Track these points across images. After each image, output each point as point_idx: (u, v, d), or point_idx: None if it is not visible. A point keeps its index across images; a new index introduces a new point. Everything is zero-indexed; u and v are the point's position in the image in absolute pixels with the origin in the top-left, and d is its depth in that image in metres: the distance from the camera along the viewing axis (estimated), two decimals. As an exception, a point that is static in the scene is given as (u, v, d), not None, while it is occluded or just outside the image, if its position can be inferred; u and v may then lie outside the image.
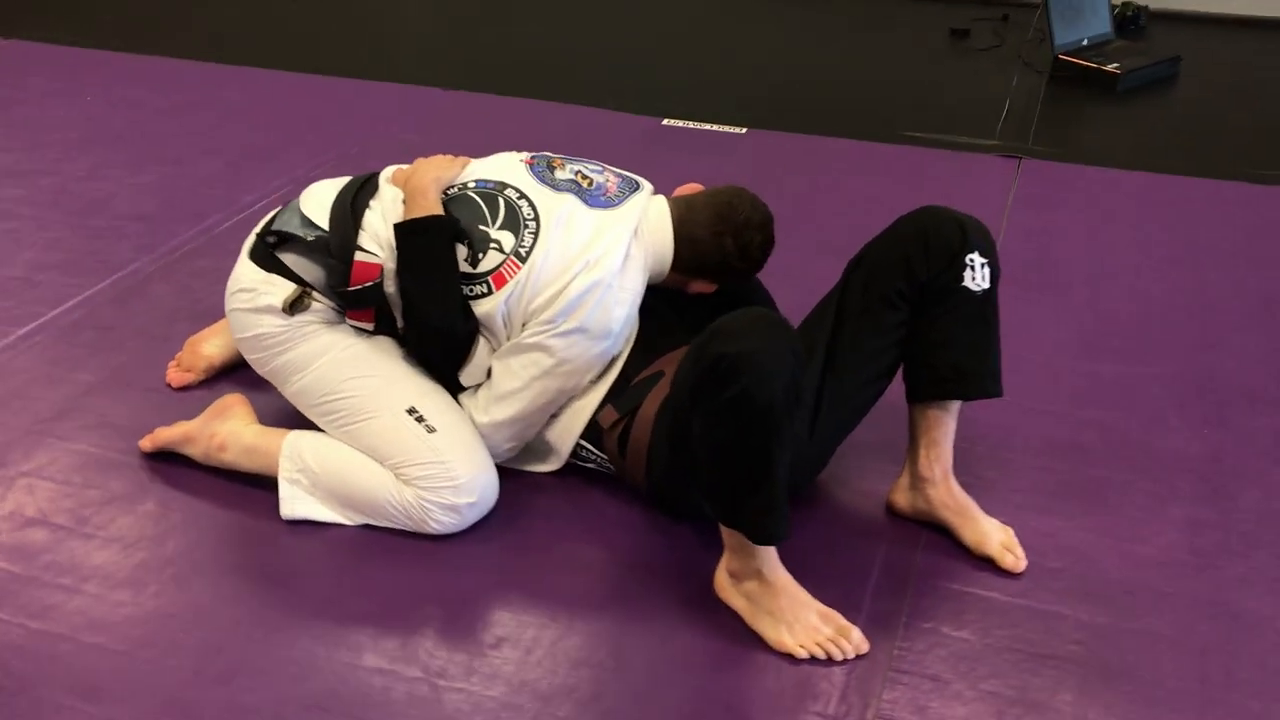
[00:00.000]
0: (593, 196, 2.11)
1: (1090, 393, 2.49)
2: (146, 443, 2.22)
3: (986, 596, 1.94)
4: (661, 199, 2.18)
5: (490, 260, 2.03)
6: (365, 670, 1.78)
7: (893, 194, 3.17)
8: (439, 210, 2.06)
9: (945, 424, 2.03)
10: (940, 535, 2.05)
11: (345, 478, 2.04)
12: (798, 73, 4.54)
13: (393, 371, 2.09)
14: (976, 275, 1.96)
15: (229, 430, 2.16)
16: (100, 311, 2.73)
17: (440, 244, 2.03)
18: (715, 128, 3.91)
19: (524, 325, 2.04)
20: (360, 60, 4.53)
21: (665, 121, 3.96)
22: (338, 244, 2.07)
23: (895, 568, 2.00)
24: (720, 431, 1.73)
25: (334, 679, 1.76)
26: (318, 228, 2.10)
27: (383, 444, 2.03)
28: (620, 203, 2.12)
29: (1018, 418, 2.39)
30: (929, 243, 1.97)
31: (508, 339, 2.07)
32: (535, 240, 2.03)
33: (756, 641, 1.84)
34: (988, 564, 1.99)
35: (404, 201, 2.08)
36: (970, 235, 1.97)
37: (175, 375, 2.44)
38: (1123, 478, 2.22)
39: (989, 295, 1.98)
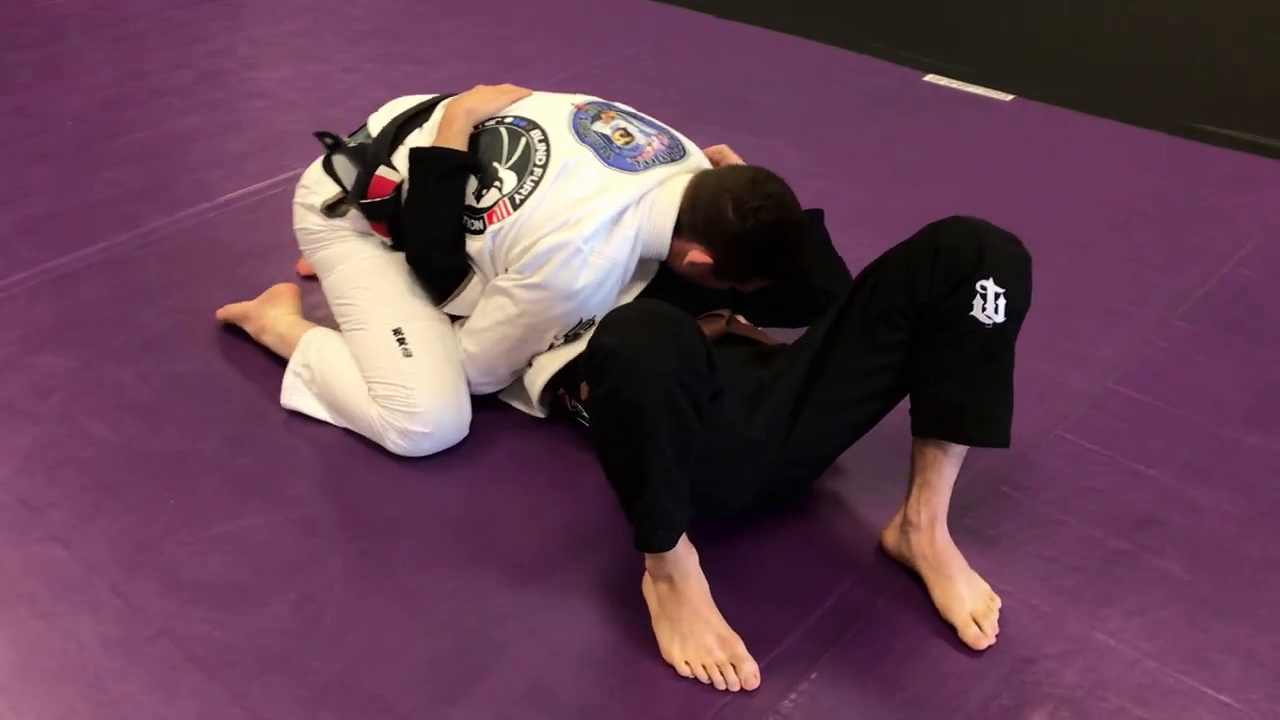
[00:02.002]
0: (619, 155, 1.98)
1: (1219, 465, 2.05)
2: (220, 313, 2.39)
3: (921, 669, 1.67)
4: (688, 176, 1.99)
5: (489, 198, 1.98)
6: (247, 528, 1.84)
7: (1161, 195, 2.81)
8: (460, 141, 2.02)
9: (941, 466, 1.75)
10: (919, 585, 1.79)
11: (331, 380, 2.10)
12: (1093, 40, 4.00)
13: (396, 290, 2.09)
14: (988, 305, 1.65)
15: (272, 316, 2.27)
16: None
17: (439, 175, 1.99)
18: (979, 90, 3.53)
19: (506, 269, 1.97)
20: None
21: (927, 77, 3.63)
22: (370, 155, 2.08)
23: (846, 609, 1.76)
24: (600, 425, 1.59)
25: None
26: (369, 137, 2.13)
27: (364, 356, 2.06)
28: (644, 169, 1.97)
29: (1095, 469, 2.03)
30: (937, 261, 1.68)
31: (495, 277, 2.01)
32: (535, 187, 1.94)
33: (653, 644, 1.70)
34: (951, 630, 1.72)
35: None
36: (989, 259, 1.66)
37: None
38: (1192, 585, 1.82)
39: (1002, 331, 1.67)
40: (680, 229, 1.93)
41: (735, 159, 2.20)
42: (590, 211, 1.90)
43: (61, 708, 1.61)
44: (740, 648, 1.66)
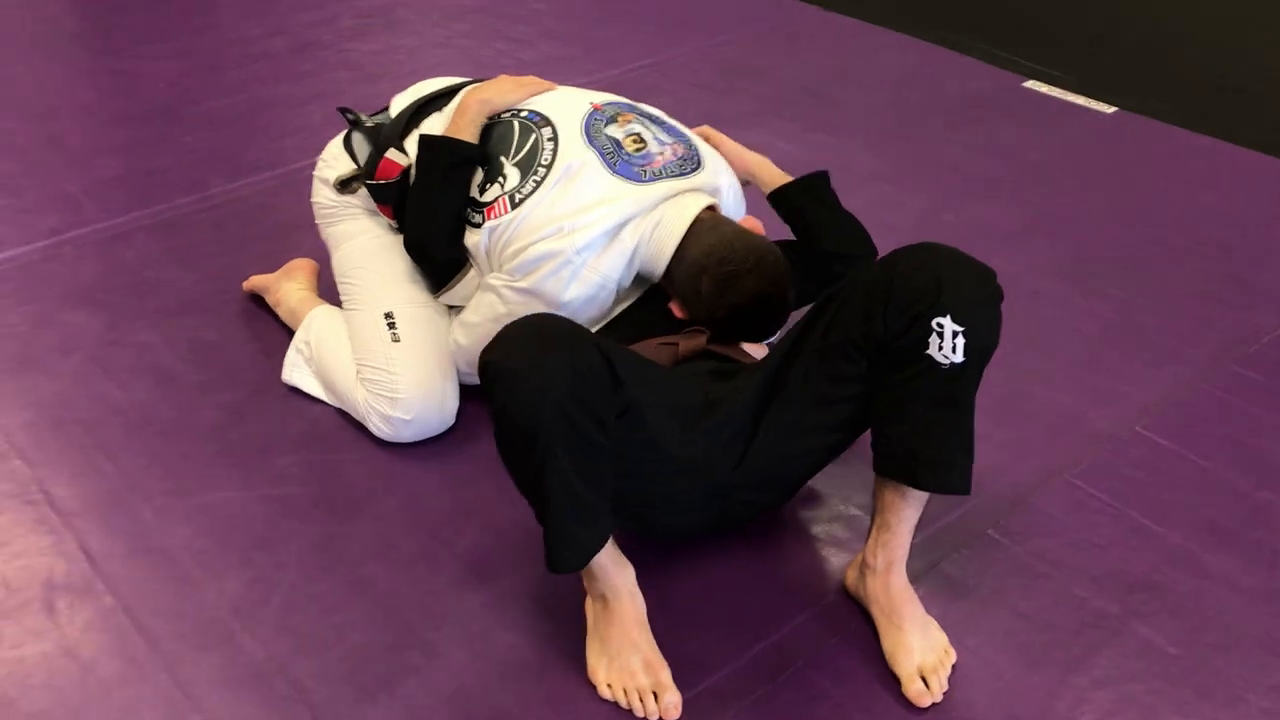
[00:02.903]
0: (626, 162, 1.92)
1: (1242, 530, 1.88)
2: (245, 284, 2.43)
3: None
4: (701, 200, 1.93)
5: (491, 193, 1.95)
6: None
7: (1252, 226, 2.66)
8: (471, 133, 2.00)
9: (899, 509, 1.65)
10: (875, 629, 1.70)
11: (325, 358, 2.11)
12: (1211, 55, 3.72)
13: (396, 273, 2.09)
14: (944, 345, 1.54)
15: (286, 290, 2.30)
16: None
17: (443, 165, 1.97)
18: (1080, 100, 3.33)
19: (500, 268, 1.94)
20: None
21: (1027, 83, 3.44)
22: (383, 137, 2.08)
23: (791, 646, 1.69)
24: (499, 443, 1.53)
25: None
26: (389, 118, 2.13)
27: (356, 338, 2.07)
28: (650, 180, 1.91)
29: (1098, 520, 1.89)
30: (892, 293, 1.57)
31: (489, 273, 1.98)
32: (536, 188, 1.90)
33: (584, 661, 1.66)
34: (897, 683, 1.62)
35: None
36: (947, 294, 1.54)
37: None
38: (1178, 659, 1.68)
39: (962, 372, 1.56)
40: (670, 267, 1.88)
41: (720, 139, 2.17)
42: (588, 222, 1.85)
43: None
44: (665, 675, 1.61)
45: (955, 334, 1.53)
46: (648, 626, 1.65)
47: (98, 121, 3.24)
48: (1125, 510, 1.92)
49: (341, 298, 2.16)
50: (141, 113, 3.28)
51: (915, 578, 1.77)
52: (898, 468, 1.63)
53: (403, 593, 1.78)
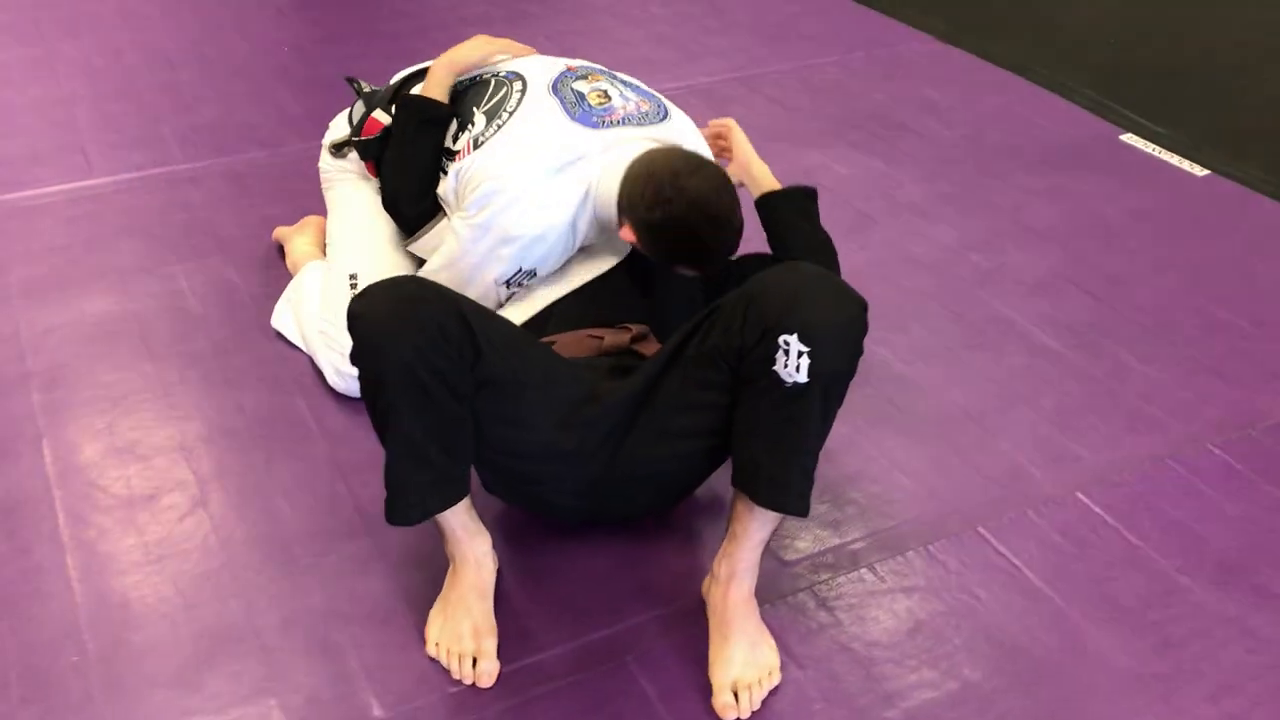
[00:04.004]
0: (587, 113, 1.98)
1: (1146, 610, 1.78)
2: (273, 235, 2.62)
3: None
4: (650, 143, 1.96)
5: (461, 140, 2.03)
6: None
7: None
8: (441, 93, 2.09)
9: (746, 521, 1.65)
10: (713, 638, 1.70)
11: (300, 311, 2.26)
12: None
13: (369, 235, 2.20)
14: (790, 363, 1.53)
15: (294, 243, 2.47)
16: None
17: (413, 123, 2.07)
18: (1173, 159, 3.17)
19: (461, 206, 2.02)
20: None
21: (1123, 136, 3.29)
22: (376, 101, 2.19)
23: (625, 640, 1.71)
24: (361, 388, 1.61)
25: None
26: (385, 84, 2.25)
27: (324, 294, 2.20)
28: (607, 128, 1.96)
29: (990, 577, 1.83)
30: (749, 307, 1.58)
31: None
32: (498, 132, 1.98)
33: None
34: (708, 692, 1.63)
35: None
36: (797, 313, 1.53)
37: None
38: (1010, 712, 1.61)
39: (805, 393, 1.54)
40: (620, 201, 1.90)
41: (737, 136, 2.15)
42: (538, 161, 1.92)
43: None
44: (489, 644, 1.66)
45: (800, 353, 1.53)
46: (489, 596, 1.71)
47: (212, 72, 3.52)
48: (1022, 572, 1.85)
49: (327, 255, 2.30)
50: (256, 70, 3.54)
51: (777, 597, 1.77)
52: (743, 481, 1.63)
53: (294, 526, 1.89)
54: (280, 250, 2.59)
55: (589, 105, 1.99)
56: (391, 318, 1.52)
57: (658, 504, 1.88)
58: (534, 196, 1.92)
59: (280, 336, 2.33)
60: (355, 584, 1.79)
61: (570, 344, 1.89)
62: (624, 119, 1.99)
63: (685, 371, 1.69)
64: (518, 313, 2.01)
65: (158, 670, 1.64)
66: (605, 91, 2.03)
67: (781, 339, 1.53)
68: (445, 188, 2.05)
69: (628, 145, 1.94)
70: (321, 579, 1.80)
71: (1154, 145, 3.24)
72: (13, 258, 2.57)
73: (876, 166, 3.07)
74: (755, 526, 1.65)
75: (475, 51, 2.13)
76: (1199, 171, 3.11)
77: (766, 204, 2.10)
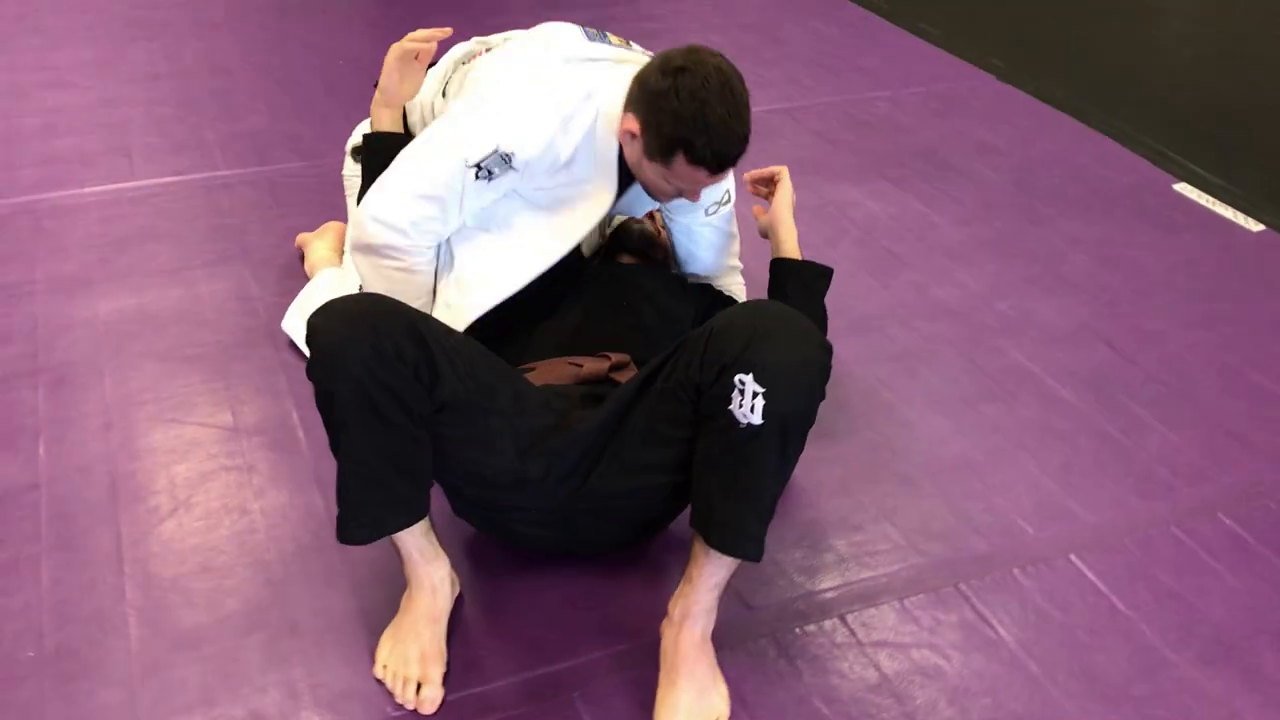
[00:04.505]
0: (606, 39, 1.96)
1: (1131, 682, 1.70)
2: (295, 241, 2.65)
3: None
4: None
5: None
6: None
7: None
8: (389, 125, 2.03)
9: (701, 562, 1.61)
10: (665, 680, 1.66)
11: (303, 312, 2.26)
12: None
13: None
14: (745, 403, 1.49)
15: (313, 248, 2.51)
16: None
17: (376, 159, 1.95)
18: (1226, 212, 3.05)
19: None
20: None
21: (1177, 186, 3.18)
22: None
23: (573, 677, 1.68)
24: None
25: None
26: None
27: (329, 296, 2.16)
28: (627, 50, 1.95)
29: (967, 641, 1.76)
30: (709, 341, 1.55)
31: None
32: (509, 40, 2.00)
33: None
34: (652, 734, 1.59)
35: None
36: (753, 353, 1.49)
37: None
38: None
39: (759, 434, 1.50)
40: (629, 92, 1.84)
41: (784, 185, 2.14)
42: (551, 49, 1.90)
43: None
44: (435, 671, 1.64)
45: (755, 394, 1.49)
46: (441, 622, 1.69)
47: (266, 83, 3.58)
48: (1000, 635, 1.77)
49: (343, 263, 2.32)
50: (308, 82, 3.60)
51: (738, 642, 1.73)
52: (697, 522, 1.60)
53: (267, 530, 1.90)
54: (302, 256, 2.62)
55: (608, 38, 1.97)
56: (346, 335, 1.51)
57: (626, 538, 1.85)
58: (533, 70, 1.87)
59: (290, 345, 2.35)
60: (316, 598, 1.79)
61: (548, 370, 1.87)
62: (644, 53, 1.97)
63: (652, 405, 1.66)
64: (486, 288, 1.92)
65: (111, 672, 1.65)
66: (626, 40, 2.02)
67: (737, 378, 1.49)
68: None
69: (644, 60, 1.90)
70: (285, 591, 1.80)
71: (1208, 196, 3.12)
72: (44, 254, 2.64)
73: (914, 206, 3.01)
74: (711, 569, 1.61)
75: (389, 69, 2.01)
76: (1254, 226, 2.99)
77: (778, 267, 2.07)
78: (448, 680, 1.65)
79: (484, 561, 1.87)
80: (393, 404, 1.53)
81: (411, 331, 1.54)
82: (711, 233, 2.15)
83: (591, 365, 1.88)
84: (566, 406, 1.75)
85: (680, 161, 1.79)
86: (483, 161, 1.81)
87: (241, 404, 2.20)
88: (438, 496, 1.74)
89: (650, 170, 1.85)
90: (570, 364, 1.89)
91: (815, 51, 4.01)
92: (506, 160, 1.82)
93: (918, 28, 4.24)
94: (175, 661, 1.67)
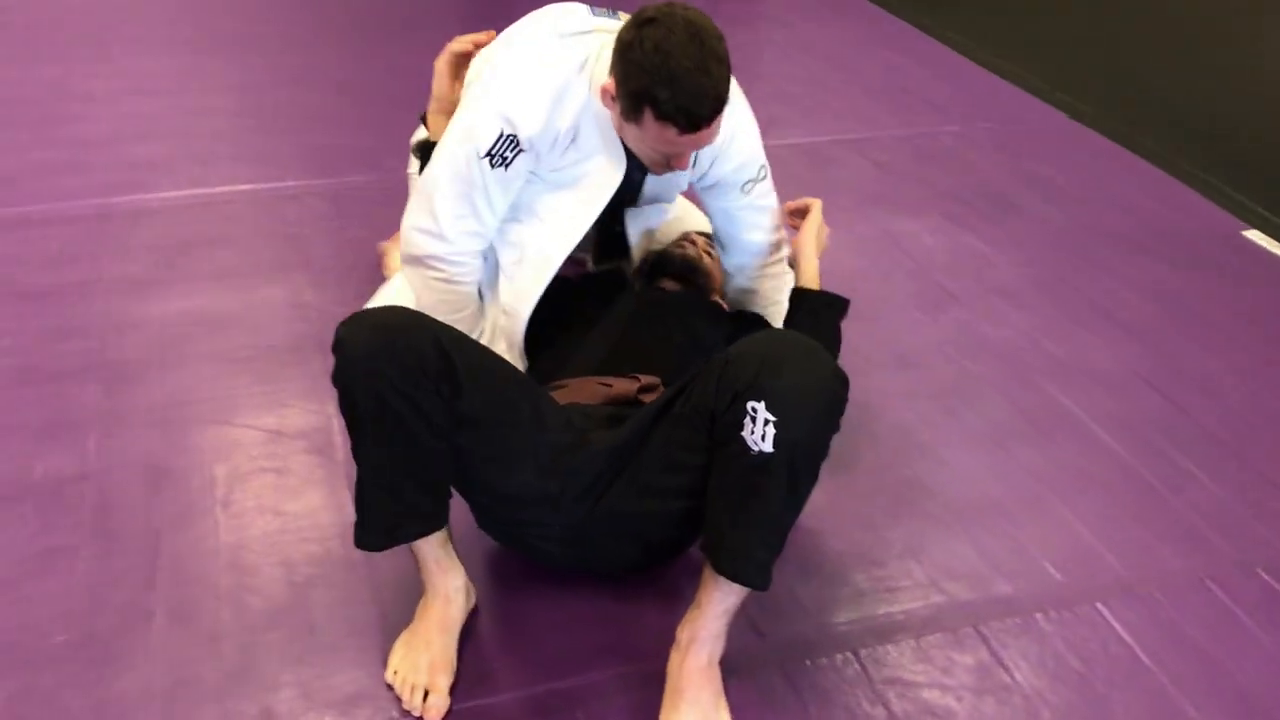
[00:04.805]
0: (612, 11, 1.97)
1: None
2: (378, 246, 2.71)
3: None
4: None
5: None
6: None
7: None
8: (438, 129, 2.11)
9: (710, 587, 1.61)
10: (669, 704, 1.67)
11: None
12: None
13: None
14: (756, 430, 1.49)
15: (390, 255, 2.55)
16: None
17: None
18: (1299, 263, 2.97)
19: None
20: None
21: (1247, 232, 3.11)
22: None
23: (581, 694, 1.69)
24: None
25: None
26: None
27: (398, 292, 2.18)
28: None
29: (982, 683, 1.73)
30: (724, 371, 1.55)
31: None
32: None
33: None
34: (652, 759, 1.60)
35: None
36: (766, 380, 1.49)
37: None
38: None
39: (769, 464, 1.50)
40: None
41: (814, 217, 2.13)
42: (548, 24, 1.94)
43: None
44: (442, 681, 1.66)
45: (767, 422, 1.49)
46: (453, 631, 1.72)
47: (342, 98, 3.68)
48: (1015, 680, 1.75)
49: None
50: (388, 97, 3.68)
51: (746, 672, 1.73)
52: (706, 547, 1.60)
53: (297, 532, 1.95)
54: (381, 263, 2.68)
55: (618, 15, 1.96)
56: (370, 346, 1.55)
57: (642, 560, 1.86)
58: (526, 50, 1.91)
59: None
60: (337, 602, 1.83)
61: (578, 388, 1.90)
62: None
63: (671, 429, 1.67)
64: (531, 274, 2.00)
65: (132, 661, 1.70)
66: None
67: (750, 405, 1.50)
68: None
69: None
70: (307, 593, 1.84)
71: (1279, 244, 3.04)
72: (111, 255, 2.74)
73: (970, 242, 2.98)
74: (719, 595, 1.61)
75: (439, 76, 2.11)
76: (1323, 279, 2.91)
77: (793, 296, 2.08)
78: (456, 690, 1.67)
79: (503, 575, 1.89)
80: (413, 415, 1.56)
81: (435, 344, 1.57)
82: (754, 214, 2.14)
83: (621, 386, 1.90)
84: (589, 426, 1.77)
85: (649, 119, 1.76)
86: (494, 149, 1.88)
87: (286, 408, 2.26)
88: (462, 508, 1.78)
89: (630, 135, 1.85)
90: (600, 383, 1.92)
91: (885, 83, 4.00)
92: (514, 142, 1.87)
93: (993, 63, 4.20)
94: (194, 655, 1.72)
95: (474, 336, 2.05)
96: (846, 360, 2.44)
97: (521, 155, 1.88)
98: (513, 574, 1.89)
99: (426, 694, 1.65)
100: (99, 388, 2.28)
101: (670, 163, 1.87)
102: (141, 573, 1.86)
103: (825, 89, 3.92)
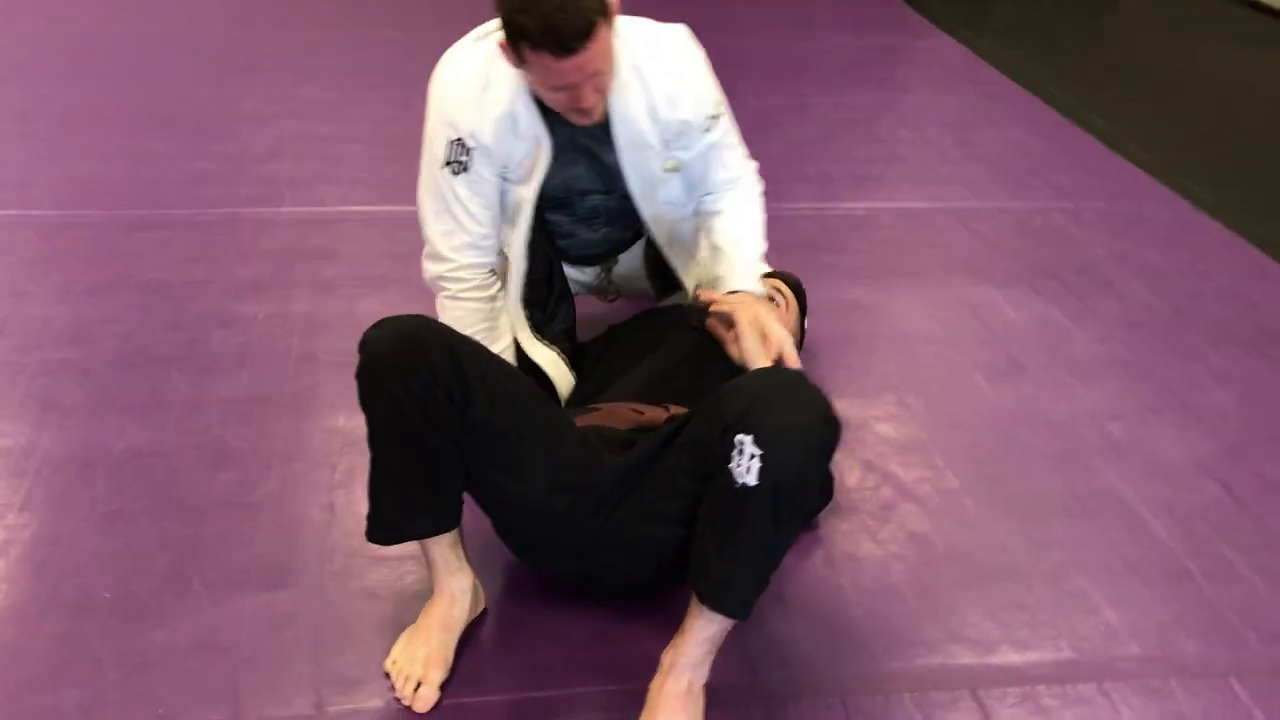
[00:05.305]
0: None
1: None
2: None
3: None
4: None
5: None
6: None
7: None
8: None
9: (695, 615, 1.67)
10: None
11: None
12: None
13: None
14: (742, 463, 1.54)
15: None
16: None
17: None
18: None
19: None
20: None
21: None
22: None
23: (564, 707, 1.76)
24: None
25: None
26: None
27: None
28: None
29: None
30: (718, 403, 1.62)
31: None
32: None
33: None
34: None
35: None
36: (755, 415, 1.54)
37: None
38: None
39: (751, 496, 1.55)
40: None
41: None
42: (473, 33, 2.09)
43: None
44: (435, 675, 1.76)
45: (753, 455, 1.54)
46: (453, 630, 1.81)
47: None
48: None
49: None
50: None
51: (732, 704, 1.76)
52: (691, 576, 1.66)
53: (340, 525, 2.08)
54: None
55: None
56: (389, 348, 1.67)
57: (644, 582, 1.91)
58: (452, 60, 2.06)
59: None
60: (360, 594, 1.95)
61: (610, 412, 1.99)
62: None
63: (676, 457, 1.73)
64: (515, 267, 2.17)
65: (163, 620, 1.85)
66: None
67: (737, 438, 1.55)
68: None
69: None
70: (337, 583, 1.97)
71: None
72: (228, 259, 2.98)
73: (1054, 317, 2.95)
74: (702, 623, 1.66)
75: None
76: None
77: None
78: (449, 686, 1.77)
79: (513, 583, 1.98)
80: (423, 418, 1.67)
81: (449, 353, 1.68)
82: (719, 150, 2.21)
83: (651, 414, 1.98)
84: (603, 447, 1.85)
85: (528, 55, 1.83)
86: (449, 157, 2.04)
87: (355, 411, 2.40)
88: (482, 520, 1.88)
89: (530, 82, 1.95)
90: (633, 409, 2.00)
91: (1005, 158, 3.98)
92: (461, 144, 2.03)
93: (1125, 148, 4.13)
94: (218, 624, 1.86)
95: (498, 349, 2.18)
96: (893, 413, 2.48)
97: (474, 153, 2.03)
98: (522, 583, 1.98)
99: (419, 685, 1.75)
100: (190, 375, 2.48)
101: (574, 102, 1.92)
102: (188, 544, 2.02)
103: (940, 156, 3.94)
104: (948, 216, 3.48)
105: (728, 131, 2.23)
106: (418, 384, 1.65)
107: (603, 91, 1.95)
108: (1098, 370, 2.73)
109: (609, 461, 1.81)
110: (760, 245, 2.24)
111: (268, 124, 3.88)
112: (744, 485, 1.55)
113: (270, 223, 3.18)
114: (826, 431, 1.58)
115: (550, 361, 2.24)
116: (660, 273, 2.45)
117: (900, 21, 5.81)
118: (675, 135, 2.13)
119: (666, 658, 1.70)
